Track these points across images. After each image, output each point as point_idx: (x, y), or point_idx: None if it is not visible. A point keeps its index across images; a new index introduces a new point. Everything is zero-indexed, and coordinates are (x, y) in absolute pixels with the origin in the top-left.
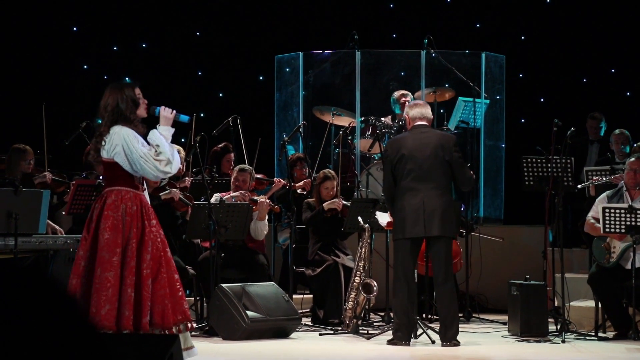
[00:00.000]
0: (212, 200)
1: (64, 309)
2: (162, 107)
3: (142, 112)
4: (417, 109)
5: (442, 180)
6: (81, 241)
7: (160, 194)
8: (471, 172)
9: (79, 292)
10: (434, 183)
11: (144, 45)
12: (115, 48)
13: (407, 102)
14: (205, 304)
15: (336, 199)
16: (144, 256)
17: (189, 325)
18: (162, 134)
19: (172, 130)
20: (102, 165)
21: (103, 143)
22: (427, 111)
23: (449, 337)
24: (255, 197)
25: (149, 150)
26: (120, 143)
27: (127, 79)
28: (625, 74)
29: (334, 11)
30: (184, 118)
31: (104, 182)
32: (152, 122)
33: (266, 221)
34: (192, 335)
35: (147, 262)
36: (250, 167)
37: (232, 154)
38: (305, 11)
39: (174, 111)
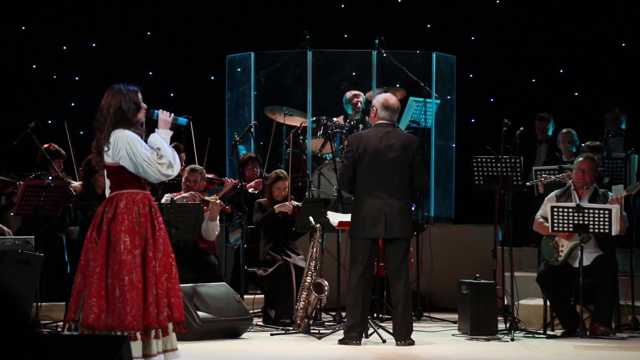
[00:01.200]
0: (163, 200)
1: (7, 310)
2: (160, 111)
3: (142, 115)
4: (388, 112)
5: (403, 182)
6: (89, 244)
7: None
8: (427, 175)
9: (88, 294)
10: (396, 185)
11: (93, 45)
12: (64, 48)
13: (359, 102)
14: None
15: (287, 202)
16: (157, 255)
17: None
18: (162, 137)
19: (171, 133)
20: (106, 169)
21: (106, 148)
22: (395, 117)
23: (404, 337)
24: (207, 198)
25: (152, 154)
26: (124, 147)
27: (119, 84)
28: (573, 75)
29: (285, 11)
30: (182, 121)
31: (111, 186)
32: (150, 124)
33: (217, 221)
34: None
35: (160, 259)
36: (201, 167)
37: (183, 154)
38: (256, 11)
39: (172, 114)
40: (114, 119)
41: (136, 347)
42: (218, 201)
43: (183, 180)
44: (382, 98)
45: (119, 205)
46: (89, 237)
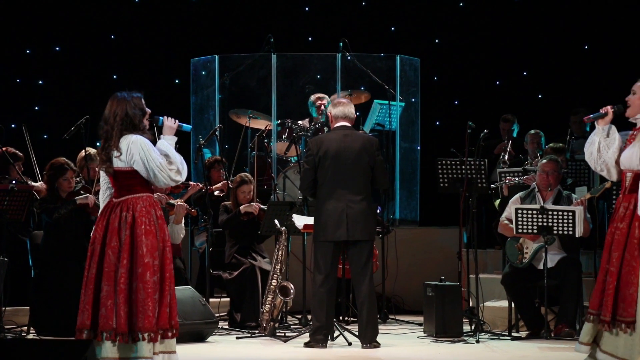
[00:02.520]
0: None
1: None
2: (165, 117)
3: (146, 122)
4: (340, 107)
5: (364, 184)
6: (110, 249)
7: (76, 198)
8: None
9: (113, 298)
10: (357, 187)
11: (57, 49)
12: (28, 51)
13: (323, 105)
14: None
15: (253, 203)
16: (170, 257)
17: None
18: (168, 143)
19: (176, 139)
20: (116, 174)
21: (117, 153)
22: (350, 110)
23: (369, 339)
24: (172, 201)
25: (163, 159)
26: (138, 152)
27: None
28: (537, 77)
29: (249, 14)
30: (187, 127)
31: (119, 190)
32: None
33: (183, 225)
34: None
35: (170, 263)
36: None
37: None
38: (220, 14)
39: (177, 121)
40: (121, 126)
41: (150, 347)
42: (183, 204)
43: None
44: (333, 101)
45: (136, 208)
46: (109, 244)
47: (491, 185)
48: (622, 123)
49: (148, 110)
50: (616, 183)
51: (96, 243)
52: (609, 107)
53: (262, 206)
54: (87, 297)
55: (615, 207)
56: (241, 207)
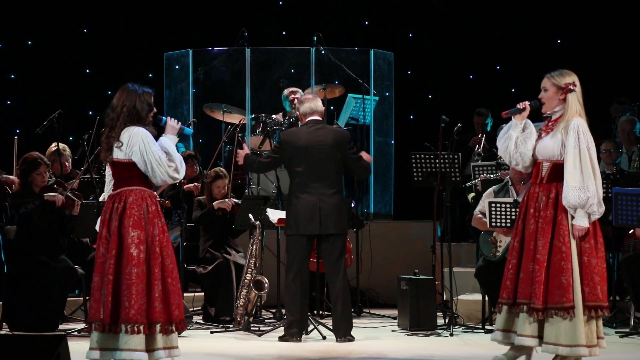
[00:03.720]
0: (102, 198)
1: None
2: (169, 117)
3: (150, 118)
4: (306, 104)
5: (336, 178)
6: (101, 240)
7: (45, 194)
8: (365, 162)
9: (100, 290)
10: (329, 181)
11: (29, 42)
12: (0, 45)
13: (297, 99)
14: None
15: (226, 199)
16: (167, 251)
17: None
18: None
19: (177, 139)
20: (116, 165)
21: (118, 144)
22: (318, 104)
23: (343, 333)
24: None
25: (163, 155)
26: (138, 143)
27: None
28: (510, 71)
29: (223, 8)
30: (189, 131)
31: (117, 182)
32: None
33: None
34: (80, 335)
35: (171, 256)
36: None
37: None
38: (194, 8)
39: (179, 122)
40: (127, 117)
41: (139, 341)
42: (156, 197)
43: None
44: (299, 99)
45: (127, 200)
46: (100, 235)
47: (467, 184)
48: (535, 117)
49: (154, 109)
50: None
51: (97, 236)
52: (526, 102)
53: (236, 201)
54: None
55: (528, 195)
56: (214, 204)
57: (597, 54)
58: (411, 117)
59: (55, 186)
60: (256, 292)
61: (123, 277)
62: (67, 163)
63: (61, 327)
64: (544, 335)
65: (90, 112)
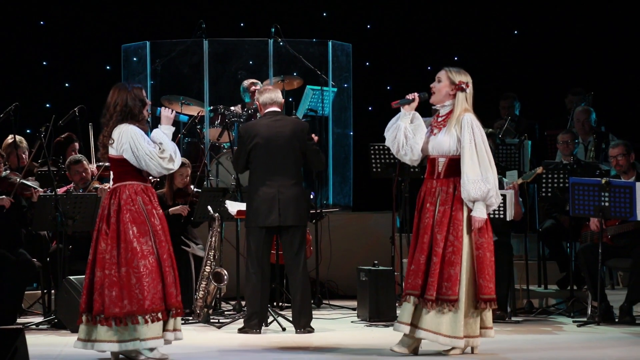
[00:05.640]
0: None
1: None
2: (163, 108)
3: (145, 112)
4: (266, 94)
5: (295, 169)
6: (100, 235)
7: None
8: (322, 155)
9: (109, 285)
10: (288, 172)
11: None
12: None
13: (256, 91)
14: (53, 297)
15: (183, 206)
16: (168, 238)
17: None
18: (164, 132)
19: (173, 129)
20: (111, 161)
21: (111, 141)
22: (277, 95)
23: (303, 324)
24: (97, 185)
25: (154, 148)
26: (128, 141)
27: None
28: (467, 62)
29: (181, 0)
30: (184, 118)
31: (114, 178)
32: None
33: None
34: (38, 329)
35: (170, 245)
36: (82, 156)
37: (77, 144)
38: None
39: (174, 111)
40: (120, 115)
41: (158, 328)
42: (104, 187)
43: (70, 172)
44: (259, 90)
45: (121, 197)
46: (98, 229)
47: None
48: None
49: (148, 102)
50: (517, 168)
51: (95, 230)
52: (416, 93)
53: (197, 190)
54: (85, 281)
55: (424, 190)
56: (170, 210)
57: (552, 45)
58: (370, 108)
59: (9, 178)
60: (215, 284)
61: (130, 271)
62: (23, 155)
63: (19, 320)
64: (423, 322)
65: (48, 105)
